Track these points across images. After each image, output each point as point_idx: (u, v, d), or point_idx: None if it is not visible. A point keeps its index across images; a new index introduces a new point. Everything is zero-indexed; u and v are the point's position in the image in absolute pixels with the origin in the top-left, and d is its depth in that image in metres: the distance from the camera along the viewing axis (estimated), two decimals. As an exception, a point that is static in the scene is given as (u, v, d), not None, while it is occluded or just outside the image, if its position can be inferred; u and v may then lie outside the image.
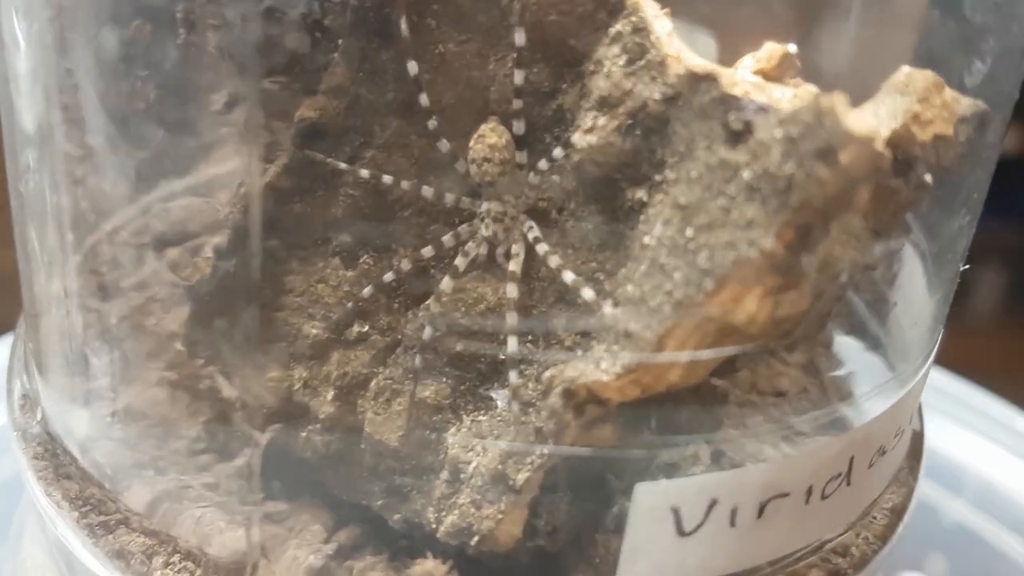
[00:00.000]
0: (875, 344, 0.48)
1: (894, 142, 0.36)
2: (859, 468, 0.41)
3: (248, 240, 0.41)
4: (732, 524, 0.38)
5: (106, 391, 0.47)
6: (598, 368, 0.39)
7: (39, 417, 0.49)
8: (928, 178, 0.38)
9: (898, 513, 0.46)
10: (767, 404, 0.48)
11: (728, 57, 0.42)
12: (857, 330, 0.49)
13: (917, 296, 0.46)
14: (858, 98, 0.38)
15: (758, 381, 0.49)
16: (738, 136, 0.35)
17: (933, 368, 0.77)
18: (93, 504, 0.45)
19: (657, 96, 0.38)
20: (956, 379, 0.79)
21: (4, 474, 0.59)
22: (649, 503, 0.38)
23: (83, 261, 0.46)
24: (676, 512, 0.38)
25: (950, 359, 0.64)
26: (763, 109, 0.35)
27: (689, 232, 0.37)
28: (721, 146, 0.36)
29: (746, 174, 0.35)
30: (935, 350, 0.46)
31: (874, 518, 0.47)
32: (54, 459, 0.47)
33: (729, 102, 0.36)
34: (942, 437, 0.75)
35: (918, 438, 0.50)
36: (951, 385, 0.79)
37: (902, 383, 0.44)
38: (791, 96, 0.36)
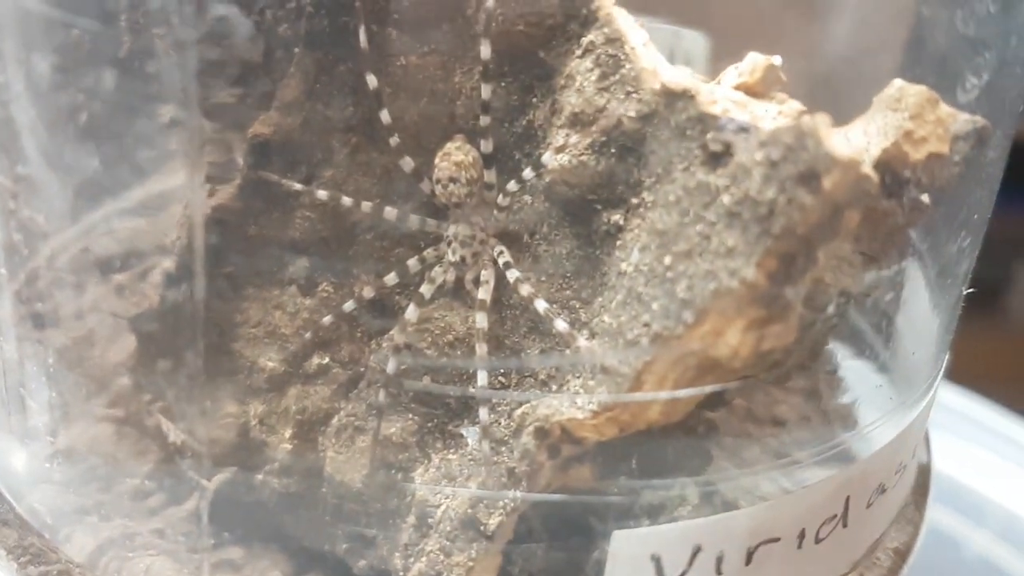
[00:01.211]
0: (879, 370, 0.48)
1: (885, 162, 0.37)
2: (856, 508, 0.42)
3: (194, 267, 0.41)
4: (718, 572, 0.39)
5: (45, 430, 0.48)
6: (573, 405, 0.39)
7: (-28, 461, 0.49)
8: (925, 198, 0.38)
9: (903, 554, 0.46)
10: (764, 434, 0.49)
11: (721, 55, 0.43)
12: (860, 355, 0.50)
13: (920, 320, 0.47)
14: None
15: (754, 408, 0.50)
16: (717, 158, 0.36)
17: (955, 390, 0.78)
18: (33, 554, 0.46)
19: (632, 113, 0.39)
20: (978, 401, 0.80)
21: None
22: (628, 551, 0.38)
23: (19, 289, 0.46)
24: (657, 560, 0.38)
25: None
26: (744, 129, 0.35)
27: (667, 260, 0.37)
28: (700, 168, 0.36)
29: (726, 199, 0.35)
30: (939, 379, 0.46)
31: (878, 559, 0.47)
32: (-10, 506, 0.47)
33: (707, 121, 0.36)
34: (963, 464, 0.75)
35: (924, 471, 0.50)
36: (972, 408, 0.80)
37: (904, 413, 0.45)
38: (775, 113, 0.37)
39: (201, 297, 0.40)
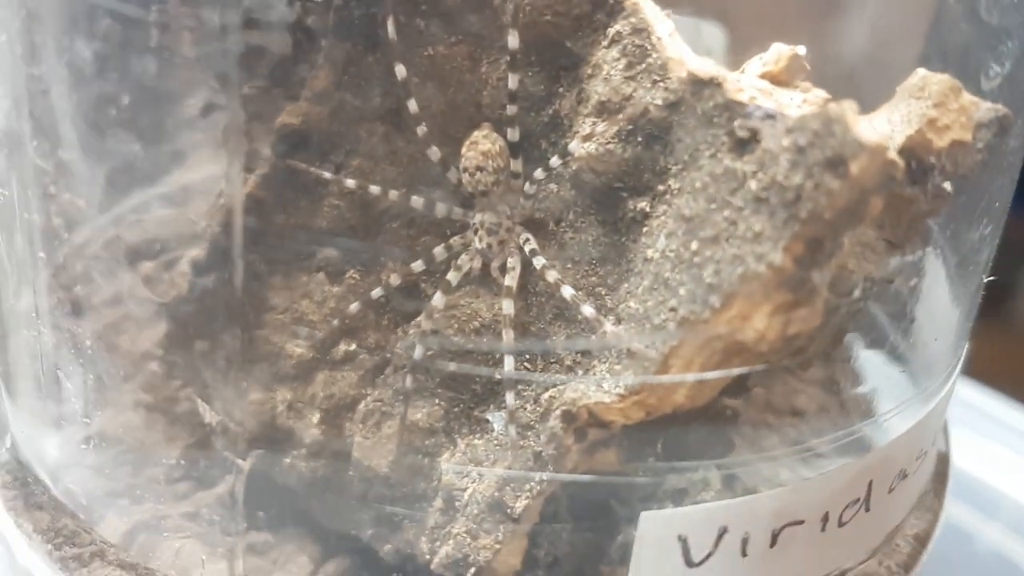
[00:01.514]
0: (897, 359, 0.49)
1: (909, 149, 0.37)
2: (878, 493, 0.42)
3: (228, 255, 0.42)
4: (744, 554, 0.39)
5: (79, 415, 0.48)
6: (600, 389, 0.40)
7: (8, 444, 0.50)
8: (948, 186, 0.39)
9: (922, 540, 0.47)
10: (783, 424, 0.49)
11: (739, 49, 0.43)
12: (878, 344, 0.50)
13: (940, 309, 0.47)
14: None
15: (773, 399, 0.50)
16: (744, 144, 0.36)
17: (968, 383, 0.78)
18: (66, 536, 0.46)
19: (659, 101, 0.39)
20: (992, 395, 0.80)
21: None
22: (655, 532, 0.39)
23: (54, 276, 0.47)
24: (684, 541, 0.39)
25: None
26: (770, 116, 0.36)
27: (694, 245, 0.38)
28: (726, 155, 0.37)
29: (753, 184, 0.36)
30: (959, 366, 0.47)
31: (897, 545, 0.48)
32: (24, 488, 0.48)
33: (734, 108, 0.37)
34: (976, 457, 0.76)
35: (943, 459, 0.51)
36: (986, 402, 0.80)
37: (925, 401, 0.45)
38: (800, 101, 0.37)
39: (239, 282, 0.41)
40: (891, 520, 0.45)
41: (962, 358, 0.48)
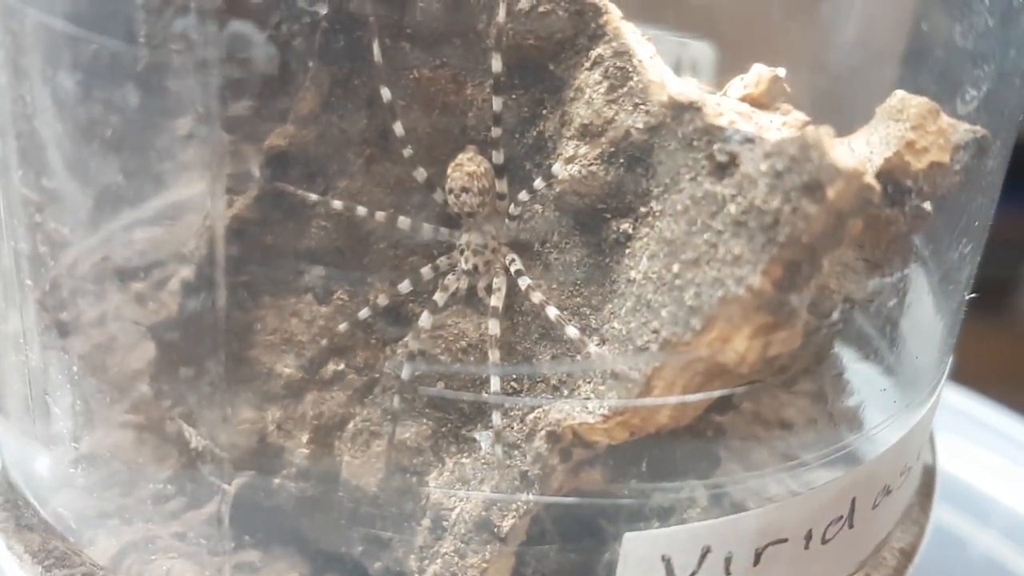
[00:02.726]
0: (884, 373, 0.49)
1: (887, 171, 0.38)
2: (862, 509, 0.43)
3: (211, 279, 0.42)
4: (727, 572, 0.40)
5: (68, 437, 0.49)
6: (584, 410, 0.40)
7: (-1, 466, 0.50)
8: (927, 206, 0.39)
9: (908, 555, 0.47)
10: (772, 437, 0.49)
11: (728, 66, 0.43)
12: (865, 359, 0.50)
13: (923, 325, 0.48)
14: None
15: (762, 411, 0.51)
16: (723, 168, 0.37)
17: (962, 392, 0.79)
18: (57, 557, 0.47)
19: (640, 125, 0.39)
20: (985, 403, 0.81)
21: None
22: (639, 552, 0.39)
23: (40, 301, 0.47)
24: (668, 561, 0.39)
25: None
26: (749, 140, 0.36)
27: (676, 267, 0.38)
28: (706, 178, 0.37)
29: (732, 208, 0.36)
30: (943, 382, 0.47)
31: (884, 559, 0.48)
32: (15, 509, 0.48)
33: (713, 132, 0.37)
34: (969, 465, 0.76)
35: (929, 472, 0.51)
36: (979, 410, 0.81)
37: (909, 416, 0.45)
38: (779, 124, 0.38)
39: (223, 305, 0.41)
40: (876, 535, 0.46)
41: (945, 373, 0.48)
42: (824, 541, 0.42)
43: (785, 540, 0.40)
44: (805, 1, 0.55)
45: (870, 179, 0.34)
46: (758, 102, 0.40)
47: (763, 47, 0.55)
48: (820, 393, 0.53)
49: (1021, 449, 0.78)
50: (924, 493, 0.51)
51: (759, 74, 0.40)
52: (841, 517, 0.42)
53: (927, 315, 0.47)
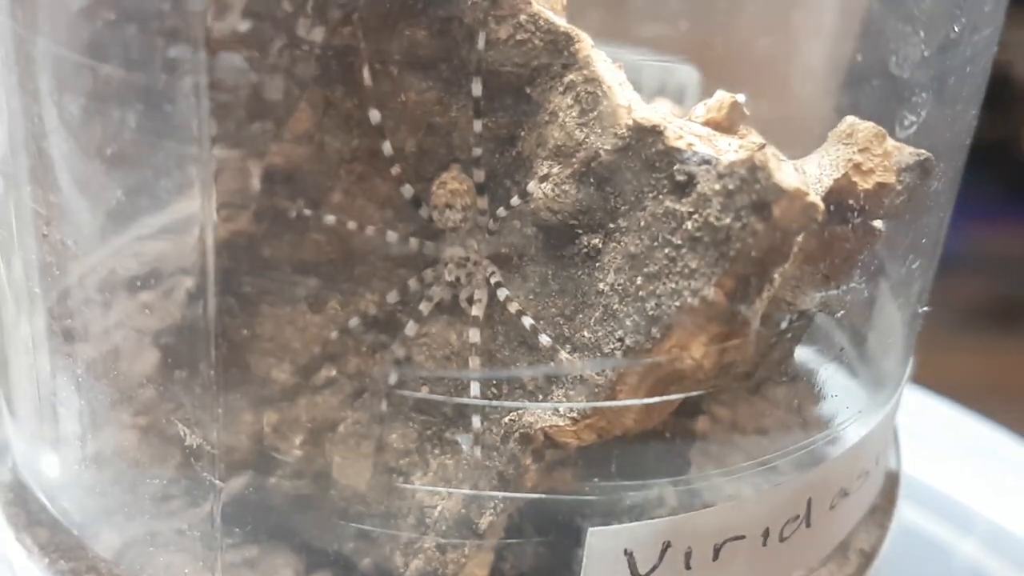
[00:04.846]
0: (846, 378, 0.51)
1: (836, 191, 0.40)
2: (819, 509, 0.45)
3: (204, 288, 0.44)
4: (687, 567, 0.42)
5: (76, 437, 0.51)
6: (555, 413, 0.43)
7: (10, 464, 0.53)
8: (878, 224, 0.42)
9: (868, 556, 0.49)
10: (748, 443, 0.52)
11: (713, 89, 0.46)
12: (830, 364, 0.52)
13: (879, 336, 0.50)
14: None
15: (739, 420, 0.53)
16: (682, 187, 0.39)
17: (940, 401, 0.81)
18: (63, 550, 0.49)
19: (608, 147, 0.42)
20: (965, 413, 0.83)
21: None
22: (602, 546, 0.41)
23: (49, 308, 0.50)
24: (630, 555, 0.41)
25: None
26: (706, 161, 0.39)
27: (639, 280, 0.41)
28: (667, 196, 0.40)
29: (689, 224, 0.39)
30: (900, 392, 0.49)
31: (846, 559, 0.50)
32: (24, 506, 0.51)
33: (673, 154, 0.40)
34: (951, 475, 0.78)
35: (893, 478, 0.53)
36: (959, 420, 0.83)
37: (865, 422, 0.48)
38: (736, 147, 0.40)
39: (219, 314, 0.43)
40: (835, 536, 0.48)
41: (903, 383, 0.50)
42: (782, 539, 0.44)
43: (743, 537, 0.43)
44: (781, 27, 0.58)
45: (814, 198, 0.36)
46: (720, 125, 0.43)
47: (745, 71, 0.58)
48: (790, 399, 0.55)
49: (1000, 459, 0.80)
50: (888, 498, 0.53)
51: (720, 99, 0.43)
52: (798, 516, 0.44)
53: (884, 326, 0.49)
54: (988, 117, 0.52)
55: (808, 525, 0.44)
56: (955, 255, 0.49)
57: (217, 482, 0.45)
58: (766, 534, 0.43)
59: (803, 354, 0.47)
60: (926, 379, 0.69)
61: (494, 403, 0.44)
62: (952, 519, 0.76)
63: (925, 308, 0.49)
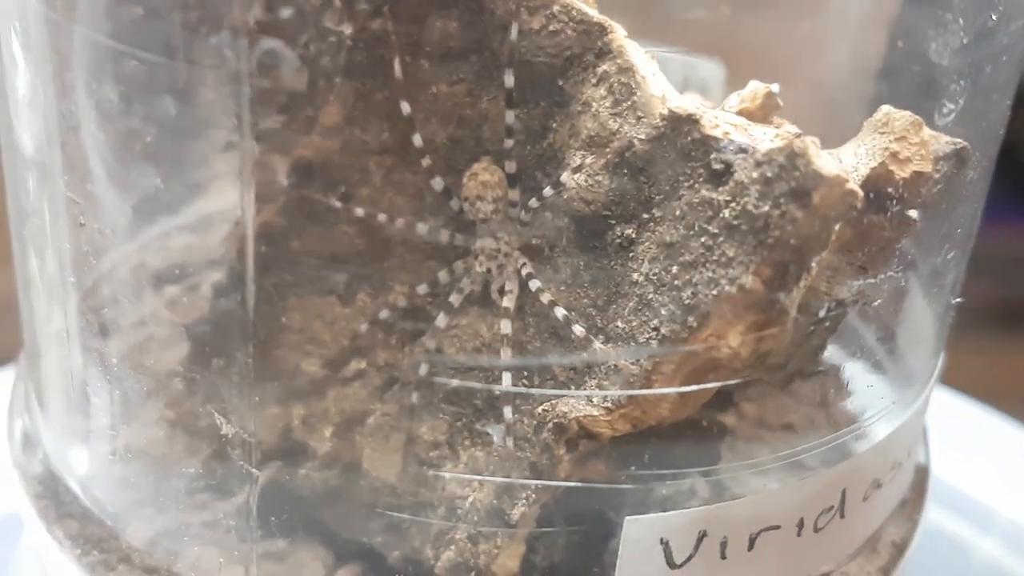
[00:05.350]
0: (873, 370, 0.51)
1: (872, 180, 0.40)
2: (853, 501, 0.45)
3: (242, 279, 0.45)
4: (723, 556, 0.42)
5: (106, 429, 0.51)
6: (589, 403, 0.43)
7: (40, 456, 0.53)
8: (913, 214, 0.42)
9: (899, 548, 0.49)
10: (775, 438, 0.52)
11: (737, 84, 0.46)
12: (855, 356, 0.52)
13: (914, 328, 0.50)
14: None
15: (766, 416, 0.53)
16: (719, 176, 0.39)
17: (966, 401, 0.81)
18: (94, 542, 0.49)
19: (642, 136, 0.42)
20: (988, 412, 0.82)
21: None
22: (639, 535, 0.41)
23: (83, 299, 0.50)
24: (666, 544, 0.41)
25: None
26: (743, 150, 0.38)
27: (674, 269, 0.41)
28: (703, 185, 0.40)
29: (726, 213, 0.39)
30: (931, 385, 0.49)
31: (877, 551, 0.50)
32: (55, 498, 0.51)
33: (710, 143, 0.40)
34: (973, 474, 0.78)
35: (923, 471, 0.53)
36: (984, 419, 0.82)
37: (897, 414, 0.47)
38: (772, 136, 0.40)
39: (251, 306, 0.44)
40: (868, 527, 0.48)
41: (935, 375, 0.50)
42: (816, 530, 0.44)
43: (778, 527, 0.43)
44: (805, 23, 0.58)
45: (853, 185, 0.36)
46: (754, 115, 0.42)
47: (769, 65, 0.58)
48: (820, 392, 0.55)
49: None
50: (918, 491, 0.53)
51: (754, 89, 0.43)
52: (832, 507, 0.44)
53: (916, 318, 0.49)
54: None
55: (842, 516, 0.44)
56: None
57: (254, 471, 0.45)
58: (801, 524, 0.43)
59: (834, 347, 0.47)
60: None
61: (531, 390, 0.44)
62: (972, 518, 0.76)
63: (958, 299, 0.49)
